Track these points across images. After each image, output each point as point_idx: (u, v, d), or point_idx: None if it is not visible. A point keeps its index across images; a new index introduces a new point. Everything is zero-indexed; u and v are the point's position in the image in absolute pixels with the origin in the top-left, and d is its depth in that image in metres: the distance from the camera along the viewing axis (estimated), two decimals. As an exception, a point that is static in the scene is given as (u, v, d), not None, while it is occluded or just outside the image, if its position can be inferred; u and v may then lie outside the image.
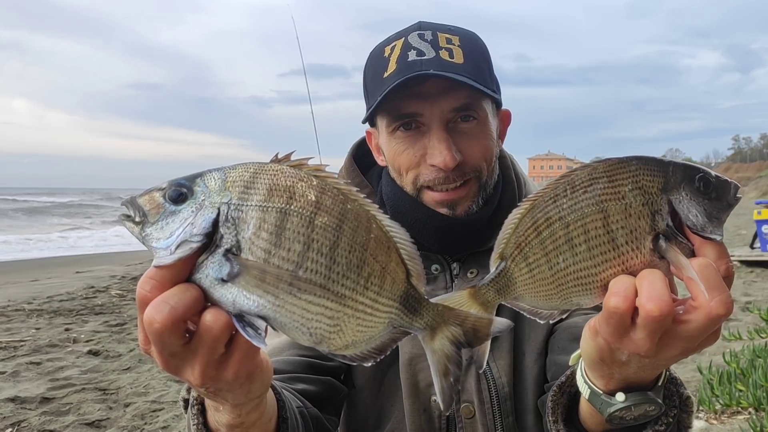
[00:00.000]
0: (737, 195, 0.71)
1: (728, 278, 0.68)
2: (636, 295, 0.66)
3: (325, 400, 1.15)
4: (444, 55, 1.12)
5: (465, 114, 1.15)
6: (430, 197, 1.18)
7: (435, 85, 1.11)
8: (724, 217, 0.70)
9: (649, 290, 0.65)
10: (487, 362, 1.19)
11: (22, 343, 5.68)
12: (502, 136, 1.29)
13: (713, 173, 0.71)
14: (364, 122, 1.26)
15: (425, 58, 1.12)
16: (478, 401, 1.19)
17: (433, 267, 1.25)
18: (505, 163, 1.33)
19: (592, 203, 0.70)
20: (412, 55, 1.13)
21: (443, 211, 1.18)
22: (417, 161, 1.16)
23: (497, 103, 1.23)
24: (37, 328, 6.34)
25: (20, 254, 15.02)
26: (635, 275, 0.68)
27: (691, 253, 0.69)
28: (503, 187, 1.28)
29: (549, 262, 0.73)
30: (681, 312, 0.67)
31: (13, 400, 4.26)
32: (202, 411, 0.84)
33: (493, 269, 0.78)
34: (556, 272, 0.73)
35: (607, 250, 0.70)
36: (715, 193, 0.70)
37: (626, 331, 0.68)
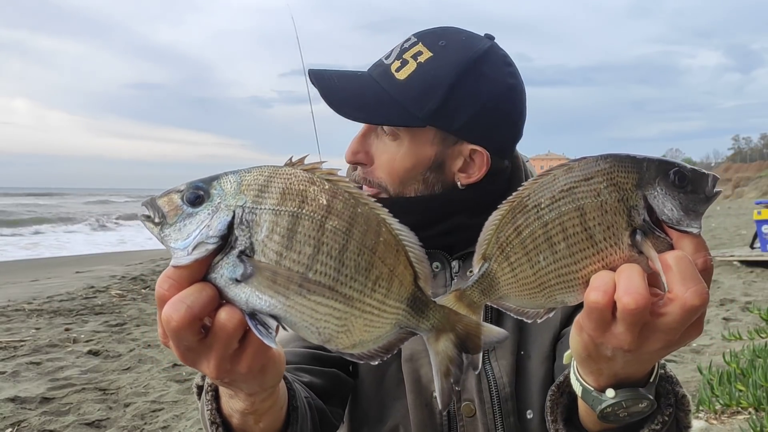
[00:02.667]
0: (716, 188, 0.72)
1: (706, 271, 0.68)
2: (615, 289, 0.67)
3: (330, 393, 1.16)
4: (395, 65, 1.17)
5: (386, 128, 1.20)
6: None
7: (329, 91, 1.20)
8: (701, 210, 0.71)
9: (626, 284, 0.66)
10: (489, 362, 1.21)
11: (22, 343, 5.69)
12: (472, 175, 1.20)
13: (689, 167, 0.72)
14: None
15: (384, 62, 1.20)
16: (479, 400, 1.20)
17: (434, 265, 1.26)
18: (516, 164, 1.33)
19: (568, 201, 0.71)
20: (383, 56, 1.21)
21: None
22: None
23: (466, 136, 1.17)
24: (37, 328, 6.34)
25: (20, 254, 15.03)
26: (615, 271, 0.69)
27: (670, 247, 0.70)
28: (512, 190, 1.28)
29: (530, 261, 0.74)
30: (659, 305, 0.67)
31: (13, 400, 4.26)
32: (216, 397, 0.87)
33: (476, 271, 0.79)
34: (537, 271, 0.74)
35: (586, 247, 0.71)
36: (691, 186, 0.71)
37: (607, 325, 0.69)
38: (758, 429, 3.16)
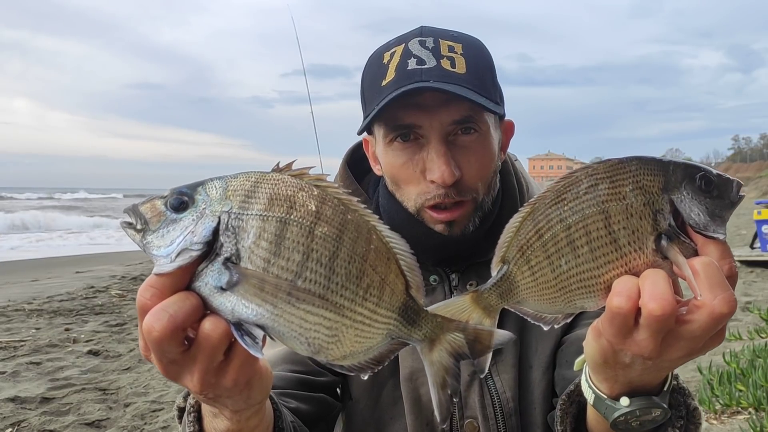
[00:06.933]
0: (740, 193, 0.71)
1: (731, 278, 0.67)
2: (639, 295, 0.65)
3: (317, 419, 1.13)
4: (445, 64, 1.08)
5: (466, 126, 1.10)
6: (429, 216, 1.14)
7: (435, 96, 1.07)
8: (726, 216, 0.70)
9: (651, 290, 0.64)
10: (491, 376, 1.18)
11: (22, 343, 5.68)
12: (504, 147, 1.25)
13: (714, 171, 0.71)
14: (359, 133, 1.22)
15: (425, 67, 1.07)
16: (482, 417, 1.16)
17: (432, 278, 1.22)
18: (506, 168, 1.28)
19: (593, 204, 0.70)
20: (411, 64, 1.08)
21: (440, 228, 1.15)
22: (417, 177, 1.12)
23: (500, 115, 1.18)
24: (37, 328, 6.33)
25: (20, 254, 15.01)
26: (638, 276, 0.67)
27: (694, 253, 0.68)
28: (503, 195, 1.24)
29: (551, 265, 0.72)
30: (684, 312, 0.66)
31: (13, 400, 4.25)
32: (199, 419, 0.84)
33: (494, 273, 0.77)
34: (558, 275, 0.72)
35: (609, 251, 0.69)
36: (717, 192, 0.70)
37: (629, 331, 0.67)
38: (758, 429, 3.15)
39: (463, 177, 1.10)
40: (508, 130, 1.25)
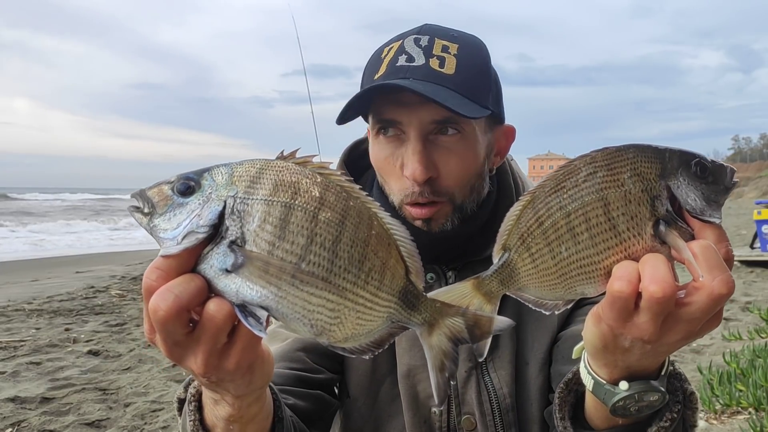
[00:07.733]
0: (734, 179, 0.73)
1: (728, 261, 0.68)
2: (639, 279, 0.67)
3: (315, 416, 1.13)
4: (434, 63, 1.08)
5: (447, 127, 1.10)
6: (408, 212, 1.15)
7: (417, 95, 1.06)
8: (722, 201, 0.72)
9: (651, 273, 0.65)
10: (488, 372, 1.19)
11: (22, 343, 5.68)
12: (502, 152, 1.24)
13: (709, 158, 0.73)
14: (337, 122, 1.18)
15: (413, 64, 1.08)
16: (479, 413, 1.17)
17: (428, 276, 1.22)
18: (503, 167, 1.29)
19: (592, 191, 0.71)
20: (401, 60, 1.09)
21: (418, 224, 1.15)
22: (397, 171, 1.13)
23: (499, 118, 1.18)
24: (37, 328, 6.34)
25: (20, 254, 15.01)
26: (638, 261, 0.69)
27: (691, 237, 0.70)
28: (500, 194, 1.25)
29: (552, 252, 0.74)
30: (683, 295, 0.67)
31: (13, 400, 4.25)
32: (199, 408, 0.85)
33: (496, 260, 0.79)
34: (559, 261, 0.73)
35: (609, 237, 0.71)
36: (712, 177, 0.72)
37: (630, 315, 0.68)
38: (758, 429, 3.16)
39: (439, 176, 1.10)
40: (507, 134, 1.24)
